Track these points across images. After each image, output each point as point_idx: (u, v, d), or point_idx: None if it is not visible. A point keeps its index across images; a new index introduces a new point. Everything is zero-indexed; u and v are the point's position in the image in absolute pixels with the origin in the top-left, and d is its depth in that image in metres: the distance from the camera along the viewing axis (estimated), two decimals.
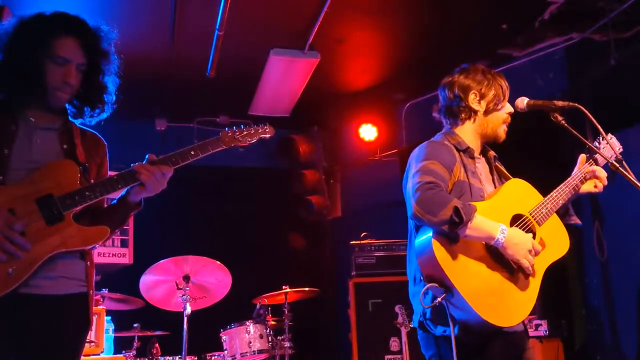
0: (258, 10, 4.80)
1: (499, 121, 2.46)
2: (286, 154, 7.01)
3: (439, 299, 2.11)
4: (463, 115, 2.46)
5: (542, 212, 2.35)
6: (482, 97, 2.44)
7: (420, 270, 2.20)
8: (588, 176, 2.50)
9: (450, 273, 2.10)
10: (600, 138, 2.52)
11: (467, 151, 2.41)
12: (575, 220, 2.55)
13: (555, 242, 2.37)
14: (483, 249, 2.21)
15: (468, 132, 2.46)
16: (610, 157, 2.47)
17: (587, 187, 2.50)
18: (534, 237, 2.28)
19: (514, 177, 2.51)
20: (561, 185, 2.46)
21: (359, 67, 6.01)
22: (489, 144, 2.54)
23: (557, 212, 2.45)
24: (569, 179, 2.49)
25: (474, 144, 2.46)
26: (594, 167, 2.50)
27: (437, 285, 2.12)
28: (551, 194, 2.42)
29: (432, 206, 2.10)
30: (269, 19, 4.92)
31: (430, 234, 2.15)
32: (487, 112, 2.45)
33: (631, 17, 4.71)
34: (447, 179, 2.25)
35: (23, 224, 1.93)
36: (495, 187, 2.46)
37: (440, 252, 2.12)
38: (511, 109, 2.49)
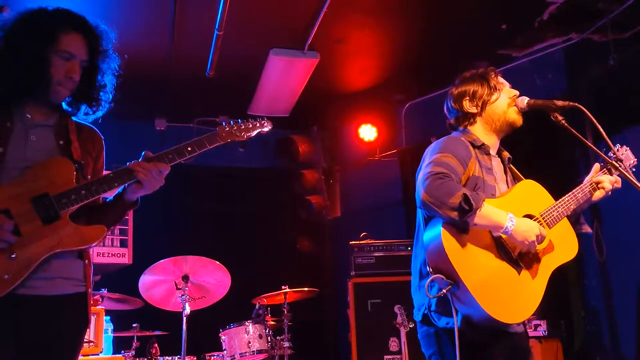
0: (258, 10, 4.80)
1: (502, 107, 2.46)
2: (286, 154, 7.01)
3: (444, 291, 2.12)
4: (465, 122, 2.50)
5: (552, 215, 2.38)
6: (473, 97, 2.48)
7: (428, 262, 2.21)
8: (596, 185, 2.52)
9: (458, 265, 2.11)
10: (617, 148, 2.55)
11: (482, 147, 2.43)
12: (586, 229, 2.57)
13: (563, 246, 2.38)
14: (492, 244, 2.22)
15: (479, 131, 2.48)
16: (623, 166, 2.49)
17: (599, 194, 2.53)
18: (543, 240, 2.30)
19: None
20: (573, 190, 2.49)
21: (359, 67, 6.01)
22: (509, 137, 2.53)
23: (568, 219, 2.47)
24: (581, 185, 2.52)
25: (489, 141, 2.48)
26: (601, 177, 2.52)
27: (443, 277, 2.13)
28: (563, 198, 2.45)
29: (441, 194, 2.11)
30: (268, 19, 4.92)
31: (440, 226, 2.16)
32: (483, 107, 2.47)
33: (630, 17, 4.71)
34: (459, 173, 2.26)
35: (14, 223, 1.92)
36: (508, 188, 2.48)
37: (448, 243, 2.13)
38: (514, 92, 2.50)
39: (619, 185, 2.53)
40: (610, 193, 2.53)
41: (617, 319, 4.86)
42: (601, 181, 2.51)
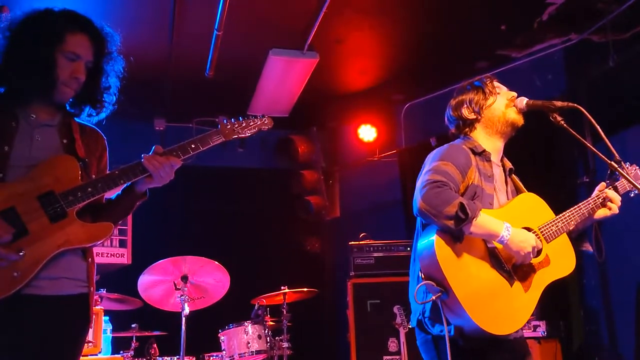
0: (257, 10, 4.80)
1: (500, 109, 2.47)
2: (285, 154, 7.00)
3: (433, 297, 2.12)
4: (465, 129, 2.52)
5: (551, 230, 2.37)
6: (470, 104, 2.50)
7: (421, 269, 2.21)
8: (601, 201, 2.51)
9: (449, 274, 2.11)
10: (627, 165, 2.56)
11: (482, 154, 2.43)
12: (587, 247, 2.57)
13: (560, 261, 2.37)
14: (486, 254, 2.22)
15: (481, 137, 2.49)
16: (624, 169, 2.49)
17: (603, 212, 2.51)
18: (539, 254, 2.30)
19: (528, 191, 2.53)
20: (575, 206, 2.48)
21: (358, 67, 6.01)
22: (511, 139, 2.53)
23: (570, 236, 2.46)
24: (584, 202, 2.50)
25: (491, 147, 2.47)
26: (608, 191, 2.51)
27: (433, 283, 2.13)
28: (564, 213, 2.44)
29: (438, 203, 2.12)
30: (268, 19, 4.92)
31: (434, 233, 2.17)
32: (480, 112, 2.48)
33: (630, 18, 4.71)
34: (458, 181, 2.27)
35: (10, 235, 1.90)
36: (508, 198, 2.47)
37: (441, 251, 2.13)
38: (512, 94, 2.51)
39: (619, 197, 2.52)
40: (617, 212, 2.51)
41: (615, 319, 4.86)
42: (612, 198, 2.48)
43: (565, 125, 2.38)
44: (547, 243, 2.35)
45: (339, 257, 6.67)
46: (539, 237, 2.32)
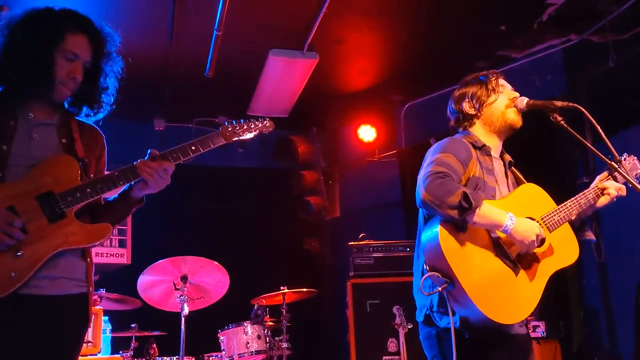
0: (257, 11, 4.80)
1: (501, 108, 2.48)
2: (285, 154, 7.00)
3: (439, 289, 2.13)
4: (465, 123, 2.52)
5: (553, 219, 2.37)
6: (471, 99, 2.50)
7: (425, 261, 2.21)
8: (601, 191, 2.52)
9: (454, 265, 2.11)
10: (624, 157, 2.57)
11: (482, 148, 2.44)
12: (590, 235, 2.57)
13: (563, 251, 2.38)
14: (490, 244, 2.22)
15: (480, 132, 2.50)
16: (632, 175, 2.50)
17: (603, 201, 2.52)
18: (543, 243, 2.30)
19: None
20: (577, 196, 2.49)
21: (358, 68, 6.01)
22: (511, 138, 2.54)
23: (572, 225, 2.47)
24: (585, 191, 2.52)
25: (490, 143, 2.48)
26: (607, 183, 2.52)
27: (439, 275, 2.13)
28: (565, 203, 2.44)
29: (441, 193, 2.13)
30: (268, 19, 4.92)
31: (438, 225, 2.17)
32: (480, 109, 2.48)
33: (629, 19, 4.72)
34: (459, 172, 2.28)
35: (22, 221, 1.92)
36: (509, 191, 2.48)
37: (445, 242, 2.14)
38: (515, 94, 2.51)
39: (623, 193, 2.53)
40: (615, 199, 2.52)
41: (615, 319, 4.87)
42: (606, 187, 2.51)
43: (565, 125, 2.38)
44: (550, 232, 2.35)
45: (338, 257, 6.67)
46: (541, 227, 2.32)
